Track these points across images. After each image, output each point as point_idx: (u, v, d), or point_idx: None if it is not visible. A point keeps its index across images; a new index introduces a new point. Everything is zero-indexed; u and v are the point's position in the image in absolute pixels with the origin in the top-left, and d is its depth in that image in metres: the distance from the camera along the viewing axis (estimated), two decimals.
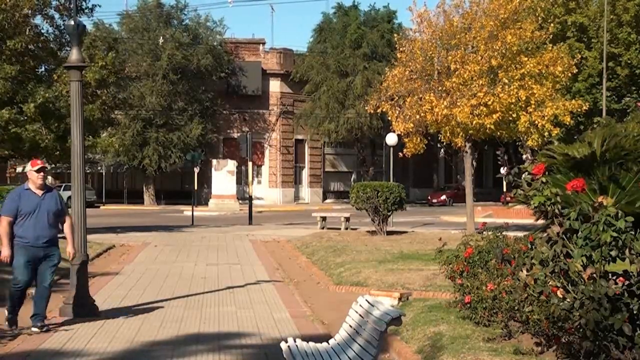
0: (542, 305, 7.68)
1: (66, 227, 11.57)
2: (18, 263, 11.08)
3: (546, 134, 26.93)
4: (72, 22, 12.86)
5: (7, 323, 11.35)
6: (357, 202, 27.49)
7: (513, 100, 26.03)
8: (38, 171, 11.33)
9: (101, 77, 29.77)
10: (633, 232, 6.84)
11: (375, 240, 25.04)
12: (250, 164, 41.61)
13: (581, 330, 6.72)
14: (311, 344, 7.94)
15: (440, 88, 26.97)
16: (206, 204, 55.24)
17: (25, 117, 27.85)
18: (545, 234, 7.49)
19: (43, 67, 31.24)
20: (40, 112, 27.96)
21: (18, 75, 27.91)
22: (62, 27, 29.85)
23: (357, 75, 60.09)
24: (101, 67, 29.79)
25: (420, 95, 27.14)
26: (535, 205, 7.40)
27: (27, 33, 28.58)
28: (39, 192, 11.30)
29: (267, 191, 65.07)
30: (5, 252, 11.02)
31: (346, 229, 31.05)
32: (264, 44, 66.92)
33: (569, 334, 7.40)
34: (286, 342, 7.75)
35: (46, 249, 11.24)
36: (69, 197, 13.09)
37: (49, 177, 70.94)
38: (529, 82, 26.33)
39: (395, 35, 31.75)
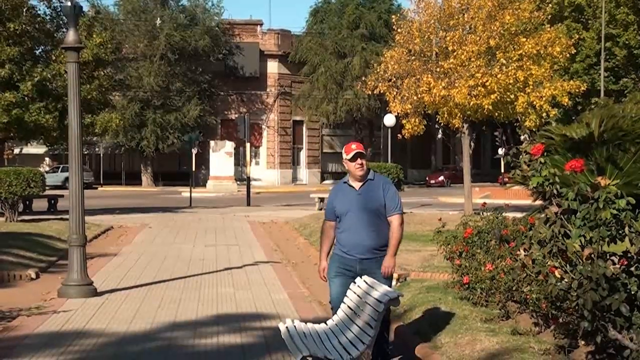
0: (540, 285, 7.69)
1: (393, 228, 8.36)
2: (328, 275, 8.46)
3: (544, 114, 26.91)
4: (69, 4, 12.83)
5: None
6: None
7: (511, 81, 25.99)
8: (353, 158, 8.19)
9: (98, 54, 29.65)
10: (632, 212, 6.84)
11: None
12: (248, 145, 41.56)
13: (579, 310, 6.73)
14: (309, 324, 7.94)
15: (438, 69, 26.91)
16: (204, 185, 55.27)
17: (27, 98, 27.82)
18: (543, 215, 7.48)
19: (40, 49, 31.14)
20: (37, 90, 27.92)
21: (16, 57, 27.92)
22: (59, 8, 29.73)
23: (355, 56, 59.91)
24: (98, 44, 29.68)
25: (418, 77, 27.08)
26: (533, 186, 7.38)
27: (24, 15, 28.48)
28: (357, 185, 8.27)
29: (265, 172, 65.02)
30: (321, 264, 8.53)
31: None
32: (261, 25, 66.71)
33: (567, 314, 7.42)
34: (284, 322, 7.76)
35: (363, 263, 8.25)
36: (67, 179, 13.07)
37: (47, 159, 70.43)
38: (527, 63, 26.28)
39: (393, 16, 31.63)
